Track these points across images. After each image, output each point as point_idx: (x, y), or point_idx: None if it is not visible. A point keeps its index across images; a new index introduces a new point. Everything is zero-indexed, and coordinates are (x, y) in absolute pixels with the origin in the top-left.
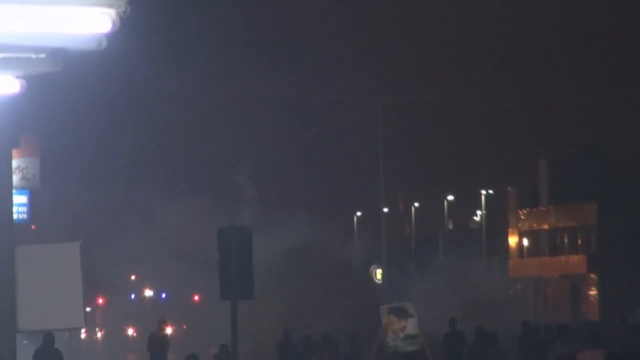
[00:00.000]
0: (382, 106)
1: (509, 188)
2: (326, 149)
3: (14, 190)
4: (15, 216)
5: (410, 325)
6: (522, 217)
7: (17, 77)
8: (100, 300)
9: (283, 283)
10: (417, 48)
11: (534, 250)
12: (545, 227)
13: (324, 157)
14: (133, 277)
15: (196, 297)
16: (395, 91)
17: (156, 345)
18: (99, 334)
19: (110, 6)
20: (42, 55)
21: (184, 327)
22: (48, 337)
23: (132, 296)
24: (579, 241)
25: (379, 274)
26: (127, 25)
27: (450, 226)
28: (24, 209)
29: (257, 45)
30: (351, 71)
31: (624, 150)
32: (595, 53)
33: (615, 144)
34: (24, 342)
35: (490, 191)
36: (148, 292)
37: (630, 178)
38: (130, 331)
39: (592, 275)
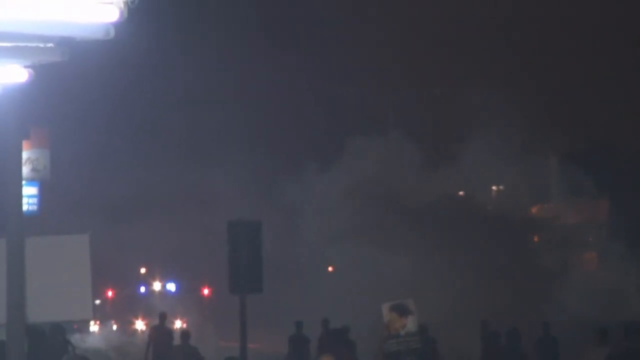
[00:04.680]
0: (392, 101)
1: (520, 184)
2: (336, 141)
3: (23, 182)
4: (25, 208)
5: (410, 323)
6: (533, 212)
7: (25, 66)
8: (110, 293)
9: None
10: (425, 41)
11: None
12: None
13: (335, 149)
14: (143, 270)
15: (206, 291)
16: (403, 86)
17: (162, 338)
18: (114, 327)
19: None
20: (49, 45)
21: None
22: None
23: (142, 289)
24: (590, 238)
25: None
26: (135, 15)
27: None
28: (34, 200)
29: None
30: (361, 63)
31: (636, 145)
32: (608, 47)
33: (627, 139)
34: None
35: (501, 187)
36: (157, 285)
37: None
38: (140, 324)
39: (603, 273)
